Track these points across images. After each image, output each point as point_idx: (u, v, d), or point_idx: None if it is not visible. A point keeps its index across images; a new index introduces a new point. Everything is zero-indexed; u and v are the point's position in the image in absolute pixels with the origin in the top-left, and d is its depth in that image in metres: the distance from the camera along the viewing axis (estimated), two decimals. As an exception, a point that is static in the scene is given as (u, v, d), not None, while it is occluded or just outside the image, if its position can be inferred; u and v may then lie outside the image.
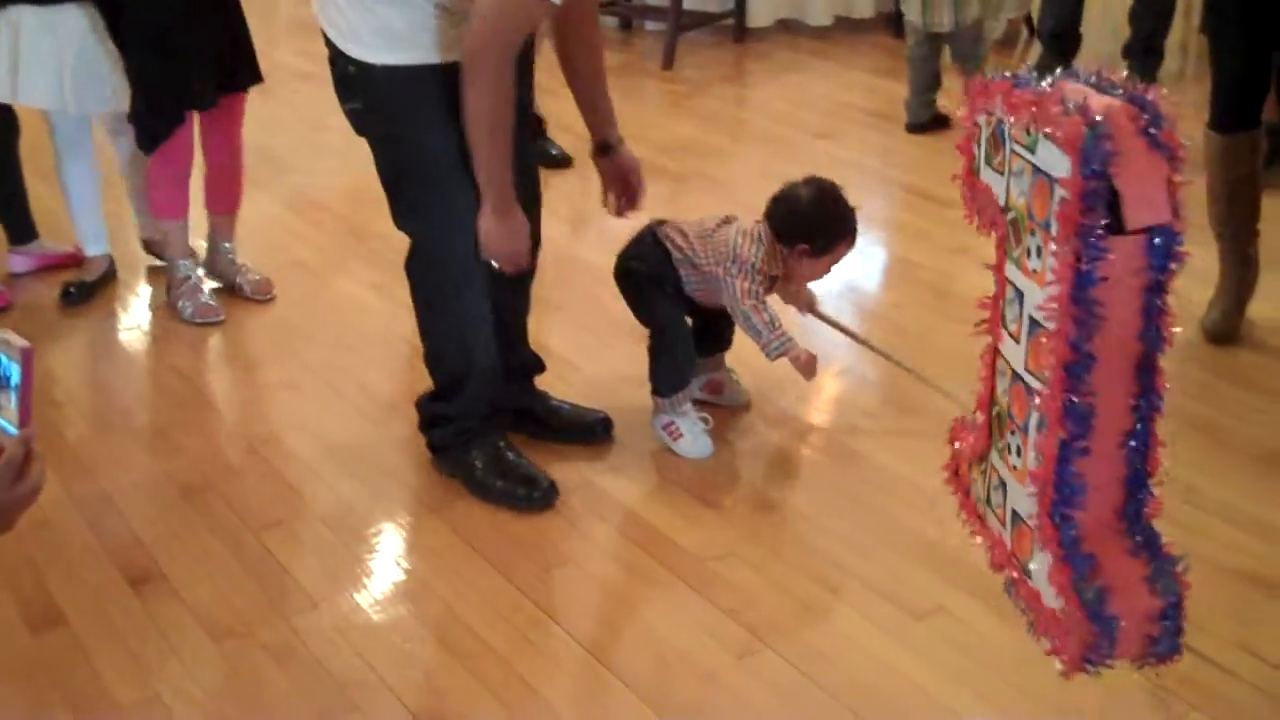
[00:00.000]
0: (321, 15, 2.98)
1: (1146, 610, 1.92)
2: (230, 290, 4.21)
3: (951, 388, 3.08)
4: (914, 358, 3.83)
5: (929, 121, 5.78)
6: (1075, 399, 1.83)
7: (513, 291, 3.29)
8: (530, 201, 3.14)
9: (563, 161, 5.26)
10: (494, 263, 3.05)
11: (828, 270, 3.40)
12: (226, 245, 4.26)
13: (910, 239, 4.70)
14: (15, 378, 1.74)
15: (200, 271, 4.16)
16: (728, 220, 3.38)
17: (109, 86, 3.88)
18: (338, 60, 2.97)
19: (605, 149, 3.31)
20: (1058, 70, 1.95)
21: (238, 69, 4.00)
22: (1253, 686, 2.59)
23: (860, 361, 3.84)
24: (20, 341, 1.73)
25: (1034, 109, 1.81)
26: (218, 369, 3.88)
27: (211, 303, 4.07)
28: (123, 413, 3.65)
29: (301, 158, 5.42)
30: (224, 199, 4.22)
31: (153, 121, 3.87)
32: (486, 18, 2.74)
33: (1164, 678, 2.59)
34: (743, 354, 3.54)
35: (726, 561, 2.96)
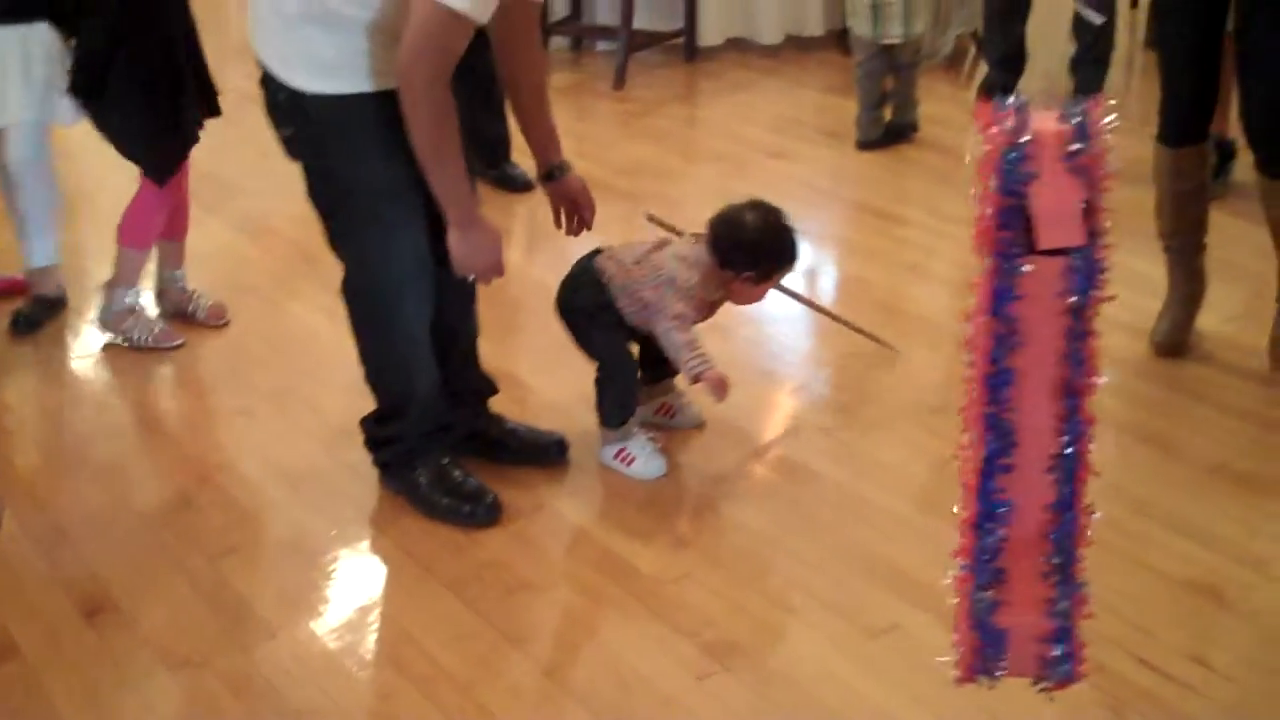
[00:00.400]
0: (254, 40, 2.98)
1: (1037, 630, 1.94)
2: (184, 318, 4.18)
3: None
4: (866, 375, 3.86)
5: (879, 138, 5.81)
6: (996, 413, 1.85)
7: (460, 314, 3.30)
8: None
9: (525, 185, 5.27)
10: (469, 278, 3.08)
11: (766, 293, 3.44)
12: (177, 274, 4.24)
13: (862, 257, 4.73)
14: None
15: (140, 300, 4.13)
16: (663, 243, 3.39)
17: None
18: (270, 86, 2.97)
19: (551, 174, 3.32)
20: (1027, 96, 1.96)
21: (209, 94, 4.06)
22: (1205, 698, 2.62)
23: (814, 379, 3.86)
24: None
25: (989, 130, 1.83)
26: (170, 396, 3.86)
27: (167, 327, 4.08)
28: (75, 441, 3.63)
29: (251, 182, 5.40)
30: (175, 225, 4.19)
31: (162, 158, 3.94)
32: (411, 44, 2.74)
33: (1117, 691, 2.62)
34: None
35: (683, 583, 2.97)
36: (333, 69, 2.86)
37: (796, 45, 7.36)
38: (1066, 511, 1.95)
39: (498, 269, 3.07)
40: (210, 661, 2.74)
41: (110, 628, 2.85)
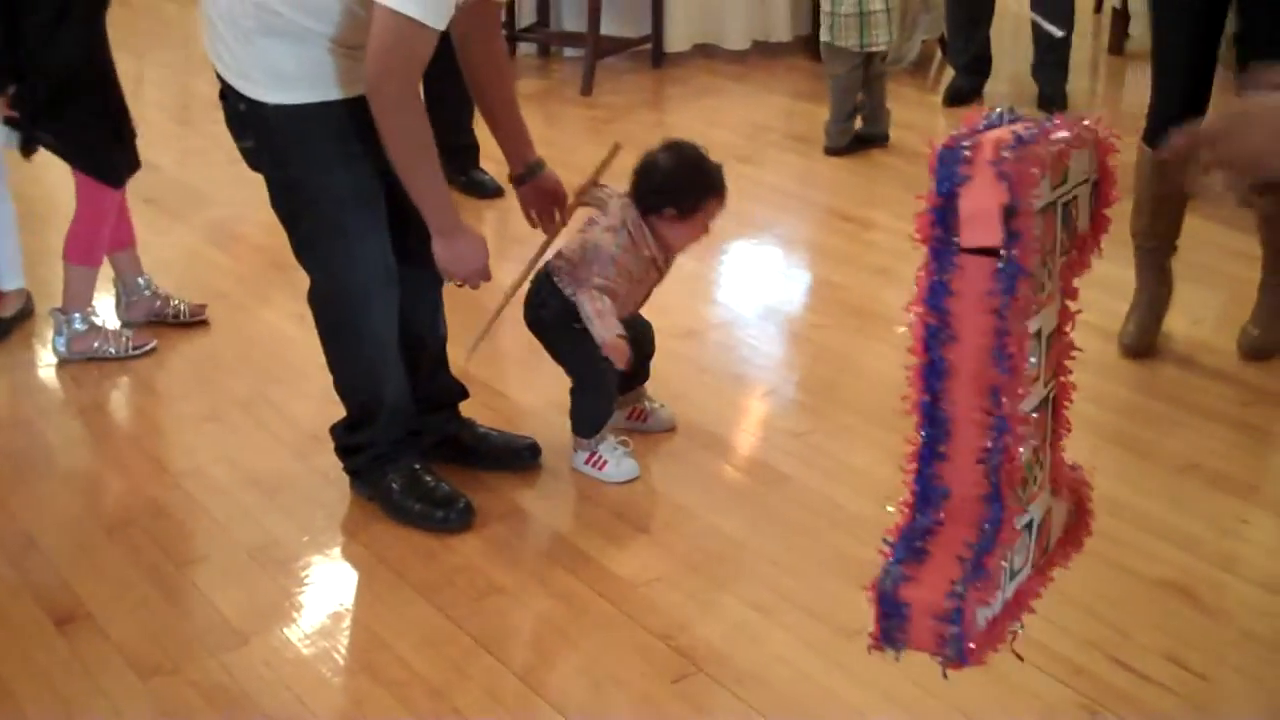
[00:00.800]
0: (211, 52, 2.96)
1: (933, 607, 1.97)
2: (163, 321, 4.16)
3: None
4: (836, 378, 3.87)
5: (847, 145, 5.82)
6: (932, 403, 1.92)
7: (428, 320, 3.30)
8: (426, 231, 3.13)
9: (494, 191, 5.26)
10: (455, 283, 3.09)
11: (703, 231, 3.34)
12: (141, 280, 4.20)
13: (832, 261, 4.73)
14: None
15: (96, 318, 4.07)
16: (590, 222, 3.35)
17: None
18: (229, 96, 2.96)
19: (529, 172, 3.30)
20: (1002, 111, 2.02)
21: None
22: (1179, 697, 2.63)
23: (784, 383, 3.86)
24: None
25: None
26: (139, 403, 3.84)
27: (133, 332, 4.06)
28: (43, 450, 3.60)
29: (219, 189, 5.37)
30: (123, 233, 4.15)
31: (118, 157, 3.94)
32: (376, 56, 2.73)
33: (1093, 692, 2.63)
34: (667, 380, 3.54)
35: (656, 586, 2.96)
36: (292, 79, 2.85)
37: (764, 51, 7.37)
38: (995, 504, 1.99)
39: (484, 273, 3.07)
40: (182, 669, 2.72)
41: (81, 636, 2.83)
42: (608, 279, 3.24)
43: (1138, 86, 6.81)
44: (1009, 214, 1.85)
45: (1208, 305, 4.27)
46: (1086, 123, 2.00)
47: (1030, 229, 1.86)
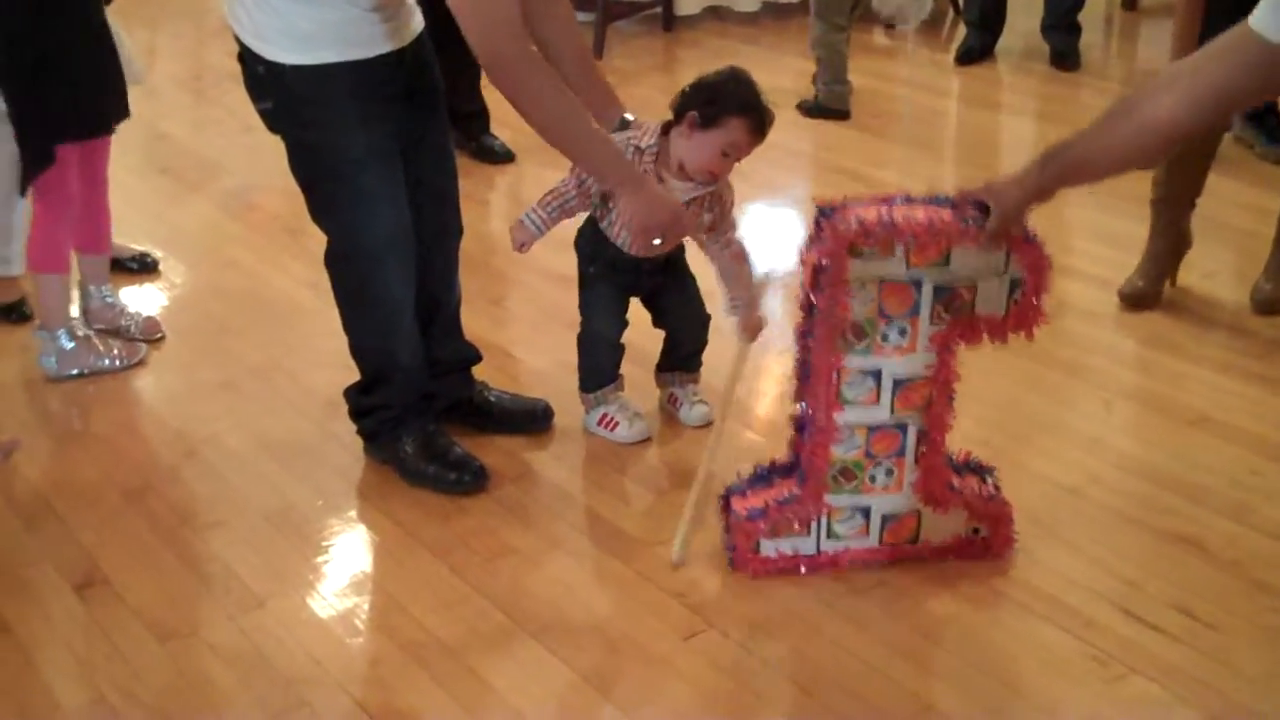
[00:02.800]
0: (230, 15, 2.97)
1: (736, 517, 2.87)
2: (116, 334, 3.98)
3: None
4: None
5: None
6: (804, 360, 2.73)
7: (444, 283, 3.30)
8: (441, 195, 3.13)
9: (505, 157, 5.27)
10: (655, 241, 3.09)
11: (718, 155, 3.07)
12: (103, 289, 4.03)
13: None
14: None
15: (81, 333, 3.85)
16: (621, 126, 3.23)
17: None
18: (248, 60, 2.96)
19: (620, 129, 3.19)
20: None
21: (109, 108, 3.76)
22: (1188, 647, 2.64)
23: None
24: None
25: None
26: (155, 371, 3.86)
27: (126, 342, 3.90)
28: (60, 418, 3.63)
29: (233, 159, 5.39)
30: (92, 237, 3.95)
31: (25, 159, 3.63)
32: (471, 27, 2.68)
33: (1102, 643, 2.65)
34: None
35: (669, 546, 2.97)
36: (309, 40, 2.86)
37: (774, 13, 7.36)
38: (801, 476, 2.81)
39: (680, 224, 3.05)
40: (199, 632, 2.75)
41: (99, 601, 2.86)
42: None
43: (1152, 41, 6.80)
44: (820, 271, 2.56)
45: (1221, 259, 4.27)
46: (1026, 236, 2.62)
47: (837, 288, 2.57)
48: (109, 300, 4.03)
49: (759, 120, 3.07)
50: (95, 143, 3.80)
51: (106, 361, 3.82)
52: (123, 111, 3.81)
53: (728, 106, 3.04)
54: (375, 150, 2.96)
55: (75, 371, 3.78)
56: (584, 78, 3.11)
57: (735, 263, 3.24)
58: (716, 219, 3.20)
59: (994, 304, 2.67)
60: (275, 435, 3.46)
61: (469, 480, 3.18)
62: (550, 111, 2.79)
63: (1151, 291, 3.98)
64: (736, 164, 3.13)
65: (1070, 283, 4.12)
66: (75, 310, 3.96)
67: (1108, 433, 3.39)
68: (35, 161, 3.60)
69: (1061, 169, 2.41)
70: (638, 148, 3.11)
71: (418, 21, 3.00)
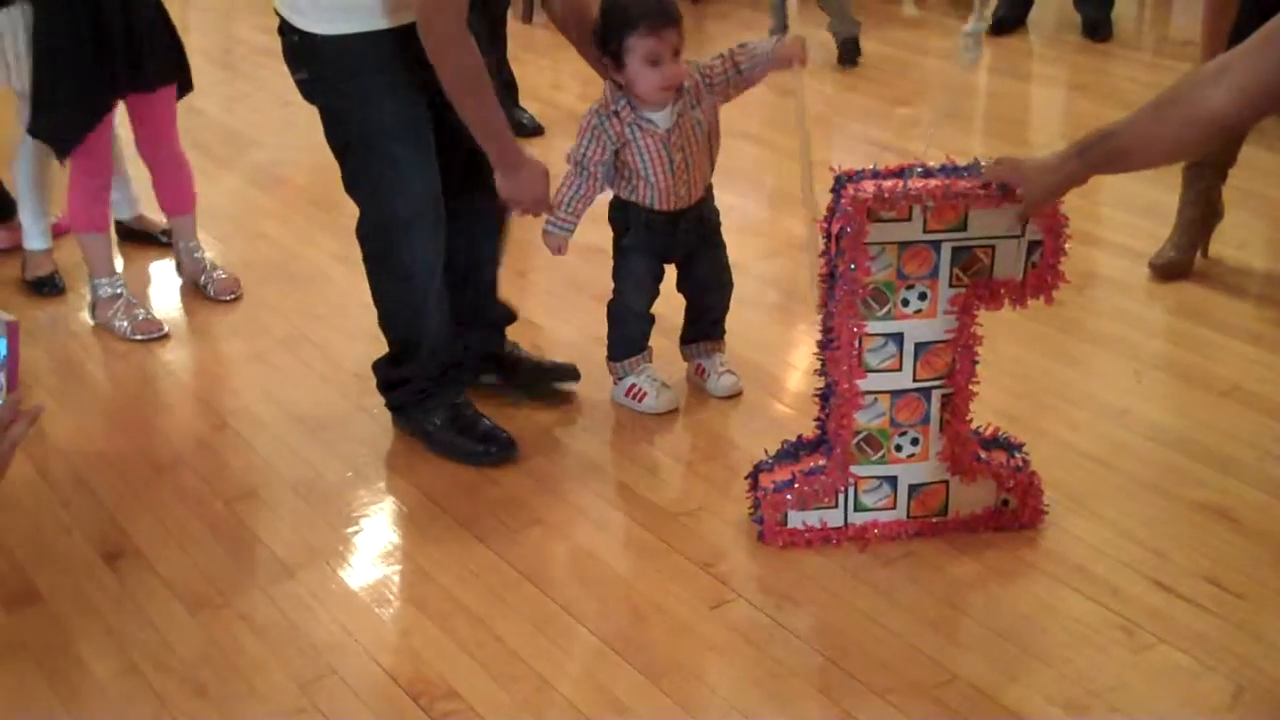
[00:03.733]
0: None
1: (765, 489, 2.88)
2: (196, 288, 4.15)
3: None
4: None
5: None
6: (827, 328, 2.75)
7: (482, 243, 3.35)
8: (473, 158, 3.14)
9: (534, 130, 5.27)
10: (517, 212, 3.20)
11: (652, 73, 3.10)
12: (190, 244, 4.18)
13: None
14: (2, 350, 1.84)
15: (126, 287, 4.01)
16: None
17: None
18: (285, 31, 3.00)
19: None
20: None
21: (145, 68, 3.80)
22: (1217, 616, 2.63)
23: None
24: (6, 316, 1.85)
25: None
26: (184, 344, 3.88)
27: (149, 317, 3.94)
28: (91, 390, 3.66)
29: (265, 134, 5.41)
30: (172, 200, 4.13)
31: (63, 128, 3.76)
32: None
33: (1130, 612, 2.64)
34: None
35: (697, 515, 2.99)
36: (341, 10, 2.89)
37: (804, -17, 7.32)
38: (827, 447, 2.85)
39: (543, 203, 3.15)
40: (230, 601, 2.77)
41: (130, 571, 2.88)
42: (584, 147, 3.21)
43: (1184, 11, 6.74)
44: (840, 236, 2.61)
45: (1253, 230, 4.24)
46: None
47: (858, 252, 2.61)
48: (196, 256, 4.17)
49: (651, 20, 3.09)
50: (145, 105, 3.90)
51: (120, 323, 3.91)
52: (166, 75, 3.89)
53: (617, 34, 3.11)
54: (406, 119, 2.98)
55: (102, 323, 3.94)
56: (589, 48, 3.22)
57: (747, 59, 3.24)
58: (709, 86, 3.24)
59: (1012, 267, 2.68)
60: (304, 407, 3.47)
61: (496, 452, 3.19)
62: (457, 83, 2.91)
63: (1183, 261, 3.96)
64: (689, 62, 3.18)
65: (1100, 253, 4.10)
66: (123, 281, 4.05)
67: (1137, 403, 3.38)
68: (76, 124, 3.72)
69: (1101, 157, 2.37)
70: (614, 113, 3.16)
71: None
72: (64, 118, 3.75)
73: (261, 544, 2.96)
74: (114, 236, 4.20)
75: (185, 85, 4.01)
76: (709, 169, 3.32)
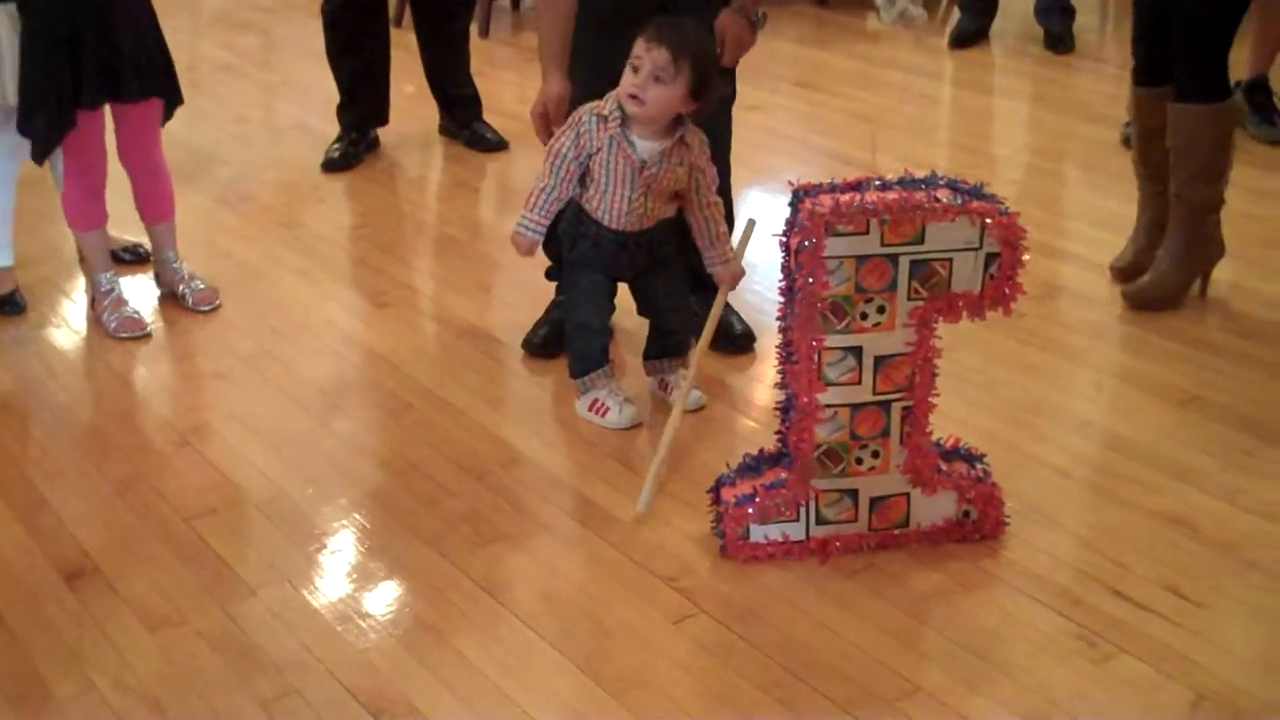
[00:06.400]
0: None
1: (727, 504, 2.88)
2: (174, 298, 4.15)
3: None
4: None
5: None
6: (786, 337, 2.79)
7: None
8: None
9: (498, 145, 5.27)
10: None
11: (628, 75, 3.11)
12: (169, 254, 4.18)
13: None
14: None
15: (121, 284, 4.08)
16: None
17: None
18: None
19: None
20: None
21: (123, 77, 3.81)
22: (1177, 625, 2.64)
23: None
24: None
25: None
26: (147, 361, 3.86)
27: (135, 316, 3.98)
28: (52, 408, 3.63)
29: (227, 150, 5.39)
30: (152, 209, 4.15)
31: (41, 130, 3.79)
32: None
33: (1091, 623, 2.65)
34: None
35: (660, 530, 2.98)
36: None
37: (770, -1, 7.35)
38: (787, 461, 2.85)
39: (541, 114, 3.43)
40: (190, 620, 2.75)
41: (91, 591, 2.86)
42: (560, 141, 3.24)
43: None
44: (798, 250, 2.65)
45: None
46: (1000, 210, 2.64)
47: (816, 265, 2.63)
48: (174, 265, 4.18)
49: (651, 32, 3.11)
50: (126, 115, 3.93)
51: (108, 320, 3.96)
52: (148, 88, 3.90)
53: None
54: None
55: (95, 315, 4.02)
56: None
57: (714, 223, 3.28)
58: (694, 180, 3.25)
59: (970, 279, 2.69)
60: (267, 424, 3.46)
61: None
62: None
63: (1140, 263, 4.00)
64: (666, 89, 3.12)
65: (1062, 265, 4.13)
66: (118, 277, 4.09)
67: (1099, 414, 3.39)
68: (51, 129, 3.77)
69: None
70: (600, 116, 3.17)
71: None
72: (42, 120, 3.78)
73: (223, 562, 2.94)
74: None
75: (173, 101, 4.03)
76: (670, 213, 3.33)
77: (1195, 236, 3.84)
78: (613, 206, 3.22)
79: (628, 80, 3.11)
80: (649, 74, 3.08)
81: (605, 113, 3.16)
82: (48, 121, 3.77)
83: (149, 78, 3.89)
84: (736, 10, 3.35)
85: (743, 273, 3.35)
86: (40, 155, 3.86)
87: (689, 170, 3.24)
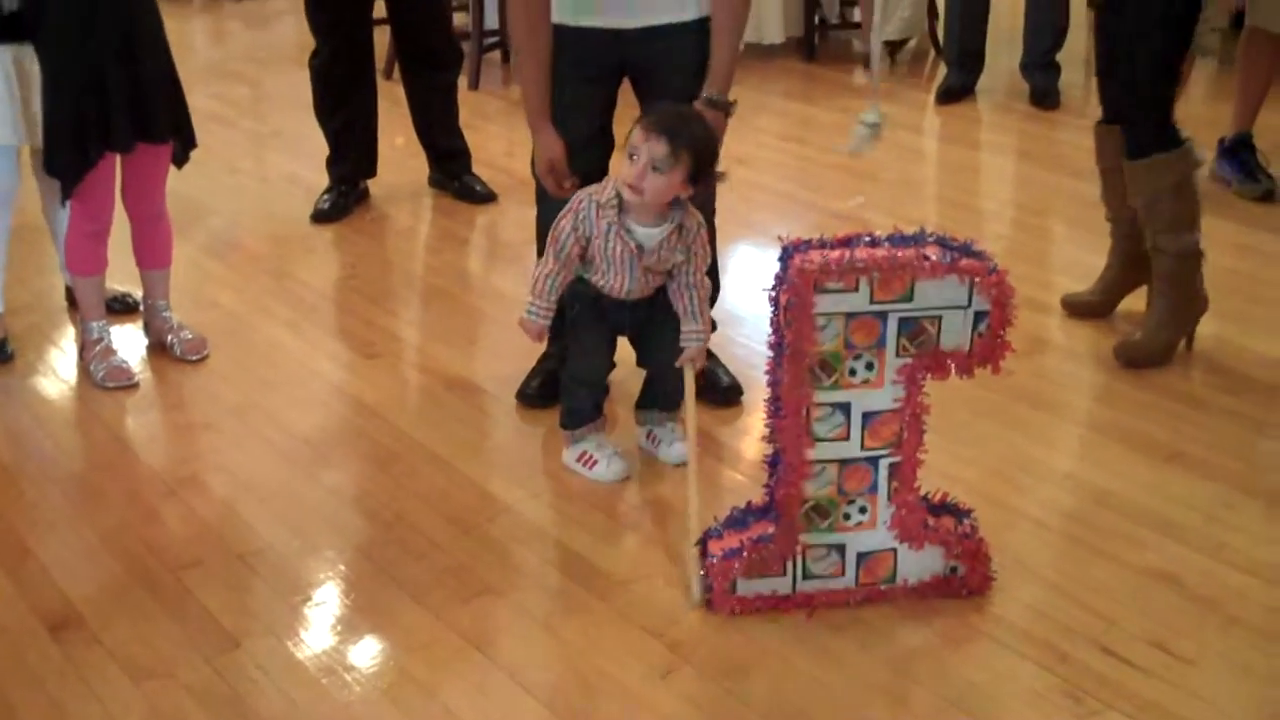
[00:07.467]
0: None
1: (714, 558, 2.87)
2: (162, 348, 4.15)
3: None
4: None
5: None
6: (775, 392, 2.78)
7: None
8: None
9: (486, 197, 5.28)
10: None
11: (626, 163, 3.08)
12: (160, 302, 4.19)
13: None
14: None
15: (111, 333, 4.08)
16: None
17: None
18: None
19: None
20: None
21: (152, 117, 3.85)
22: (1165, 683, 2.64)
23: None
24: None
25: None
26: (134, 412, 3.86)
27: (123, 365, 3.99)
28: (38, 458, 3.63)
29: (217, 201, 5.40)
30: (151, 255, 4.16)
31: (65, 168, 3.81)
32: None
33: (1077, 679, 2.65)
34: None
35: (647, 582, 2.98)
36: None
37: (757, 53, 7.39)
38: (774, 515, 2.84)
39: (548, 172, 3.40)
40: (175, 672, 2.74)
41: (75, 643, 2.85)
42: (564, 223, 3.21)
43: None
44: (788, 306, 2.65)
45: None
46: (989, 268, 2.64)
47: (805, 321, 2.64)
48: (165, 315, 4.18)
49: (649, 121, 3.08)
50: (140, 161, 3.93)
51: (97, 368, 3.96)
52: (165, 132, 3.92)
53: None
54: None
55: (84, 362, 4.02)
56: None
57: (698, 300, 3.27)
58: (687, 257, 3.23)
59: (959, 337, 2.69)
60: (254, 476, 3.46)
61: None
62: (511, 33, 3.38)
63: (1091, 304, 4.13)
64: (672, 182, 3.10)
65: (1048, 318, 4.14)
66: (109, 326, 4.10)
67: (1083, 468, 3.40)
68: (69, 170, 3.79)
69: None
70: (598, 203, 3.15)
71: None
72: (65, 158, 3.79)
73: (208, 614, 2.93)
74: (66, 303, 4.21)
75: (186, 145, 4.05)
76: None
77: (1182, 291, 3.85)
78: (614, 286, 3.23)
79: (625, 170, 3.08)
80: (647, 164, 3.05)
81: (602, 200, 3.14)
82: (71, 159, 3.78)
83: (167, 121, 3.92)
84: (706, 102, 3.34)
85: (705, 360, 3.40)
86: (68, 192, 3.85)
87: (687, 251, 3.23)
